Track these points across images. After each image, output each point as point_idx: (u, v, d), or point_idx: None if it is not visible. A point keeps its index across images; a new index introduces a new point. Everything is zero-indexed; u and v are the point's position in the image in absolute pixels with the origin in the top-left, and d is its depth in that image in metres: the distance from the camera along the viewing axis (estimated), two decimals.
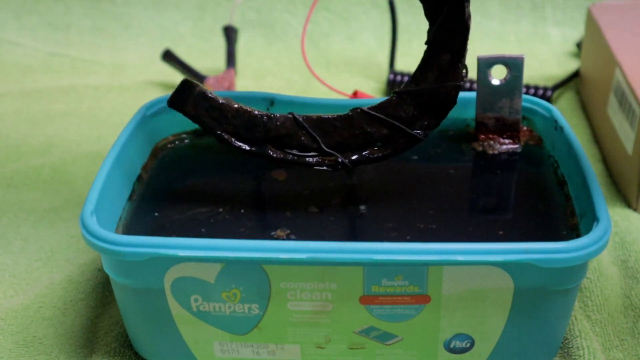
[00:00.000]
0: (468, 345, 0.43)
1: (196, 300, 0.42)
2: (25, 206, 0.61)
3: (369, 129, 0.47)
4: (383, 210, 0.46)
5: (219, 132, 0.47)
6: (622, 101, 0.61)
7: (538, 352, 0.44)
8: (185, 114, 0.47)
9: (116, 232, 0.45)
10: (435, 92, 0.46)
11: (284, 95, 0.53)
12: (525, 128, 0.52)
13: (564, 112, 0.68)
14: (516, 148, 0.51)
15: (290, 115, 0.47)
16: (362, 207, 0.46)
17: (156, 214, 0.46)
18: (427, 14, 0.45)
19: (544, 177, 0.49)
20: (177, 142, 0.53)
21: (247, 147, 0.47)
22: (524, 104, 0.51)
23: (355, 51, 0.89)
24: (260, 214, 0.47)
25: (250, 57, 0.87)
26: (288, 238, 0.44)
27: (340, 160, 0.47)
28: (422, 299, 0.41)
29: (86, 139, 0.72)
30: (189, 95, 0.46)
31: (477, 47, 0.85)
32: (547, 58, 0.86)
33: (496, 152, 0.51)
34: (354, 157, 0.47)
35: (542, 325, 0.43)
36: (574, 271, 0.41)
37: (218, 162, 0.51)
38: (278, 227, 0.45)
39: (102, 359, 0.46)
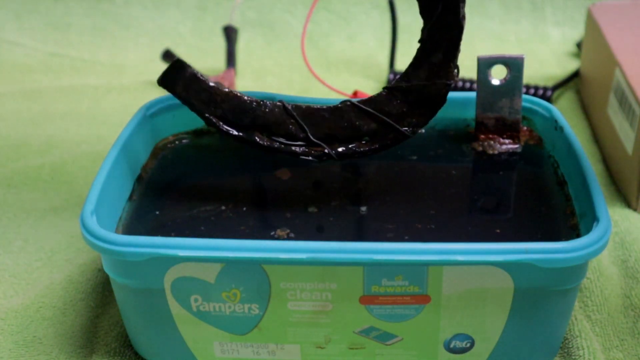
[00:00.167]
0: (468, 345, 0.43)
1: (196, 300, 0.42)
2: (25, 206, 0.61)
3: (357, 122, 0.46)
4: (383, 211, 0.46)
5: (207, 115, 0.46)
6: (622, 101, 0.61)
7: (538, 352, 0.44)
8: (174, 94, 0.47)
9: (116, 232, 0.45)
10: (425, 89, 0.46)
11: (284, 95, 0.53)
12: (525, 128, 0.52)
13: (564, 112, 0.68)
14: (516, 148, 0.51)
15: (279, 103, 0.47)
16: (363, 207, 0.46)
17: (156, 214, 0.46)
18: (422, 12, 0.45)
19: (544, 177, 0.49)
20: (177, 142, 0.53)
21: (235, 132, 0.47)
22: (524, 104, 0.51)
23: (355, 51, 0.89)
24: (260, 214, 0.47)
25: (250, 57, 0.87)
26: (288, 238, 0.44)
27: (326, 151, 0.47)
28: (422, 299, 0.41)
29: (86, 139, 0.72)
30: (180, 76, 0.46)
31: (477, 47, 0.86)
32: (547, 58, 0.86)
33: (496, 152, 0.51)
34: (340, 149, 0.47)
35: (542, 325, 0.43)
36: (574, 271, 0.41)
37: (218, 162, 0.51)
38: (278, 226, 0.45)
39: (102, 359, 0.46)
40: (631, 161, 0.58)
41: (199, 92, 0.46)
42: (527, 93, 0.73)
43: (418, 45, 0.46)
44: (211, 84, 0.46)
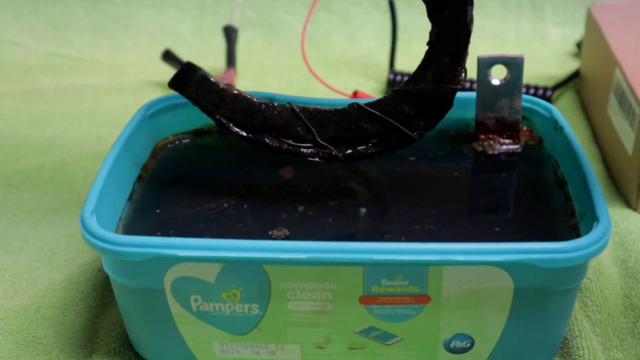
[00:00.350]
0: (468, 345, 0.43)
1: (196, 300, 0.42)
2: (25, 206, 0.61)
3: (364, 125, 0.47)
4: (383, 211, 0.46)
5: (217, 117, 0.47)
6: (622, 101, 0.61)
7: (538, 352, 0.44)
8: (185, 96, 0.48)
9: (116, 232, 0.45)
10: (432, 93, 0.46)
11: (284, 95, 0.53)
12: (525, 128, 0.52)
13: (564, 112, 0.68)
14: (516, 148, 0.51)
15: (288, 105, 0.47)
16: (362, 207, 0.46)
17: (156, 214, 0.46)
18: (430, 15, 0.45)
19: (544, 177, 0.49)
20: (177, 142, 0.53)
21: (244, 134, 0.47)
22: (524, 104, 0.51)
23: (355, 51, 0.89)
24: (261, 213, 0.47)
25: (250, 57, 0.87)
26: (285, 238, 0.44)
27: (333, 153, 0.47)
28: (422, 299, 0.41)
29: (86, 139, 0.72)
30: (190, 78, 0.47)
31: (477, 47, 0.85)
32: (547, 58, 0.86)
33: (496, 152, 0.51)
34: (347, 152, 0.47)
35: (542, 325, 0.43)
36: (574, 271, 0.41)
37: (218, 162, 0.51)
38: (276, 226, 0.45)
39: (102, 359, 0.46)
40: (631, 161, 0.58)
41: (209, 94, 0.47)
42: (527, 93, 0.73)
43: (424, 47, 0.46)
44: (221, 86, 0.47)
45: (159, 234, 0.45)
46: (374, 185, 0.48)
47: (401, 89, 0.46)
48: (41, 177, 0.65)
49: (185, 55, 0.83)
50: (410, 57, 0.84)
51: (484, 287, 0.40)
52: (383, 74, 0.83)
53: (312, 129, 0.47)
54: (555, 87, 0.75)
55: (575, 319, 0.48)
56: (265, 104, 0.47)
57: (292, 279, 0.41)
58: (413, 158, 0.51)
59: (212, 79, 0.47)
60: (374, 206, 0.47)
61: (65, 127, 0.74)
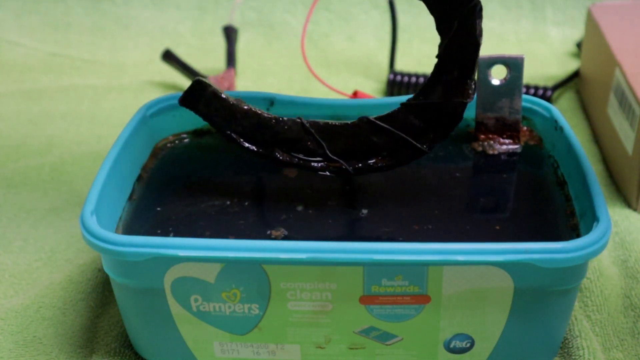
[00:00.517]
0: (468, 345, 0.43)
1: (196, 300, 0.42)
2: (25, 206, 0.61)
3: (374, 139, 0.47)
4: (382, 211, 0.46)
5: (228, 132, 0.47)
6: (622, 101, 0.61)
7: (538, 352, 0.44)
8: (197, 112, 0.48)
9: (116, 232, 0.45)
10: (441, 106, 0.46)
11: (284, 95, 0.53)
12: (525, 128, 0.52)
13: (564, 112, 0.68)
14: (516, 148, 0.51)
15: (298, 120, 0.47)
16: (362, 207, 0.46)
17: (156, 214, 0.46)
18: (439, 28, 0.45)
19: (544, 177, 0.49)
20: (177, 142, 0.53)
21: (255, 149, 0.48)
22: (524, 104, 0.51)
23: (355, 51, 0.89)
24: (259, 214, 0.47)
25: (250, 57, 0.87)
26: (284, 238, 0.44)
27: (344, 167, 0.47)
28: (422, 299, 0.41)
29: (86, 139, 0.72)
30: (201, 95, 0.47)
31: None
32: (547, 58, 0.86)
33: (496, 152, 0.51)
34: (358, 165, 0.47)
35: (542, 325, 0.43)
36: (574, 271, 0.41)
37: (218, 162, 0.51)
38: (275, 226, 0.45)
39: (102, 359, 0.46)
40: (631, 161, 0.58)
41: (220, 110, 0.47)
42: (527, 93, 0.73)
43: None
44: (232, 101, 0.47)
45: (159, 233, 0.45)
46: (374, 185, 0.48)
47: (411, 103, 0.46)
48: (41, 177, 0.65)
49: (185, 55, 0.83)
50: (410, 57, 0.84)
51: (484, 287, 0.40)
52: (383, 74, 0.83)
53: (323, 143, 0.47)
54: (555, 87, 0.75)
55: (575, 319, 0.48)
56: (275, 118, 0.47)
57: (292, 279, 0.41)
58: None
59: (222, 95, 0.47)
60: (374, 206, 0.47)
61: (65, 127, 0.74)
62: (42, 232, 0.58)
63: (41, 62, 0.87)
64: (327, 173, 0.47)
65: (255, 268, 0.40)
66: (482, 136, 0.52)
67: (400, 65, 0.82)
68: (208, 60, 0.86)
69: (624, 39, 0.66)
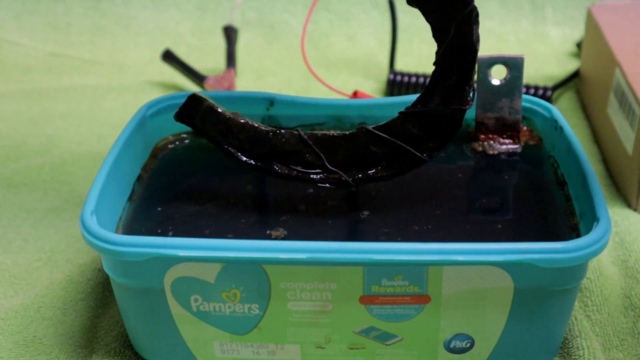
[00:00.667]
0: (468, 345, 0.43)
1: (196, 300, 0.42)
2: (25, 206, 0.61)
3: (373, 149, 0.46)
4: (383, 211, 0.46)
5: (225, 147, 0.47)
6: (622, 101, 0.61)
7: (538, 352, 0.44)
8: (192, 127, 0.48)
9: (116, 232, 0.45)
10: (440, 114, 0.45)
11: (284, 95, 0.53)
12: (525, 128, 0.52)
13: (564, 112, 0.68)
14: (516, 148, 0.51)
15: (295, 132, 0.47)
16: (362, 208, 0.46)
17: (156, 214, 0.46)
18: (435, 35, 0.45)
19: (544, 177, 0.49)
20: (177, 142, 0.53)
21: (253, 162, 0.47)
22: (524, 104, 0.51)
23: (355, 51, 0.89)
24: (258, 214, 0.47)
25: (250, 57, 0.87)
26: (283, 238, 0.44)
27: (343, 178, 0.47)
28: (422, 299, 0.41)
29: (86, 139, 0.72)
30: (197, 109, 0.47)
31: None
32: (547, 58, 0.86)
33: (496, 152, 0.51)
34: (358, 176, 0.47)
35: (542, 325, 0.43)
36: (574, 271, 0.41)
37: (218, 162, 0.51)
38: (274, 226, 0.45)
39: (102, 359, 0.46)
40: (631, 161, 0.58)
41: (217, 124, 0.47)
42: (527, 93, 0.73)
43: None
44: (228, 115, 0.47)
45: (159, 232, 0.45)
46: (374, 186, 0.48)
47: (409, 111, 0.46)
48: (41, 177, 0.65)
49: (185, 55, 0.83)
50: (410, 57, 0.84)
51: (484, 287, 0.40)
52: (383, 74, 0.83)
53: (321, 155, 0.47)
54: (555, 87, 0.75)
55: (575, 319, 0.48)
56: (272, 131, 0.47)
57: (292, 279, 0.41)
58: None
59: (218, 110, 0.47)
60: (374, 206, 0.47)
61: (65, 127, 0.74)
62: (42, 232, 0.58)
63: (41, 62, 0.87)
64: (327, 185, 0.47)
65: (255, 268, 0.40)
66: (482, 136, 0.52)
67: (400, 65, 0.82)
68: (208, 60, 0.86)
69: (624, 39, 0.66)
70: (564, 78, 0.77)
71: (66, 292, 0.52)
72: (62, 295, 0.51)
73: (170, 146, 0.53)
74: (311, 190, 0.48)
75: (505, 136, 0.52)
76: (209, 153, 0.52)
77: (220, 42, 0.87)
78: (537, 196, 0.48)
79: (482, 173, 0.51)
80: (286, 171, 0.47)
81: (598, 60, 0.69)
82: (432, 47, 0.45)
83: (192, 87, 0.80)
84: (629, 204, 0.60)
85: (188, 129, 0.53)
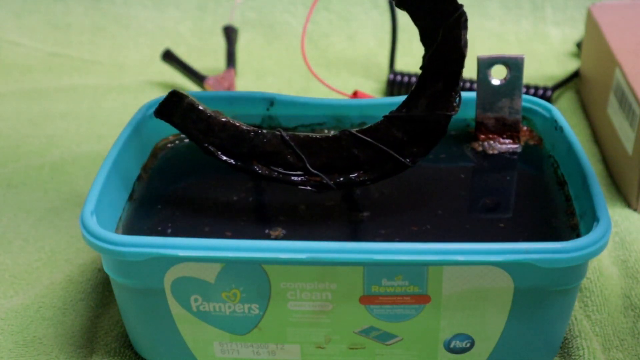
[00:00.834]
0: (468, 345, 0.43)
1: (196, 300, 0.42)
2: (25, 206, 0.61)
3: (356, 152, 0.46)
4: (382, 211, 0.46)
5: (205, 145, 0.46)
6: (622, 101, 0.61)
7: (538, 352, 0.44)
8: (172, 124, 0.47)
9: (116, 232, 0.45)
10: (425, 119, 0.45)
11: (284, 95, 0.53)
12: (525, 128, 0.52)
13: (564, 112, 0.68)
14: (516, 148, 0.51)
15: (277, 133, 0.46)
16: (362, 208, 0.46)
17: (156, 214, 0.46)
18: (423, 39, 0.44)
19: (544, 177, 0.49)
20: (177, 142, 0.53)
21: (233, 162, 0.46)
22: (524, 104, 0.51)
23: (355, 51, 0.89)
24: (257, 214, 0.47)
25: (250, 57, 0.87)
26: (283, 238, 0.44)
27: (324, 181, 0.46)
28: (422, 299, 0.41)
29: (86, 139, 0.72)
30: (177, 106, 0.46)
31: (477, 47, 0.86)
32: (547, 58, 0.86)
33: (496, 152, 0.51)
34: (339, 179, 0.46)
35: (542, 325, 0.43)
36: (574, 271, 0.41)
37: (218, 162, 0.51)
38: (275, 226, 0.45)
39: (102, 359, 0.46)
40: (631, 161, 0.58)
41: (197, 122, 0.46)
42: (527, 93, 0.73)
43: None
44: (209, 113, 0.46)
45: (159, 230, 0.45)
46: (374, 186, 0.48)
47: (394, 115, 0.45)
48: (41, 177, 0.65)
49: (185, 55, 0.83)
50: (410, 57, 0.84)
51: (484, 287, 0.40)
52: (383, 74, 0.83)
53: (303, 157, 0.46)
54: (555, 87, 0.75)
55: (575, 319, 0.48)
56: (254, 131, 0.46)
57: (292, 279, 0.41)
58: None
59: (200, 107, 0.46)
60: (374, 207, 0.47)
61: (65, 127, 0.74)
62: (42, 232, 0.58)
63: (41, 62, 0.87)
64: (308, 188, 0.46)
65: (255, 268, 0.40)
66: (482, 136, 0.52)
67: (400, 65, 0.82)
68: (208, 60, 0.86)
69: (624, 39, 0.66)
70: (564, 78, 0.77)
71: (66, 292, 0.52)
72: (62, 295, 0.51)
73: (170, 146, 0.53)
74: (309, 188, 0.48)
75: (505, 136, 0.52)
76: None
77: (220, 42, 0.87)
78: (537, 196, 0.48)
79: (482, 173, 0.51)
80: (267, 172, 0.46)
81: (598, 60, 0.69)
82: None
83: (192, 87, 0.80)
84: (629, 204, 0.60)
85: None
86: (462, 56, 0.43)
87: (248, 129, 0.46)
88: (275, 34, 0.91)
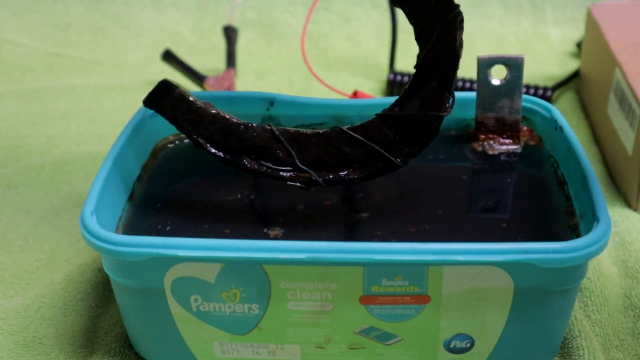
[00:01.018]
0: (468, 345, 0.43)
1: (196, 300, 0.42)
2: (25, 206, 0.61)
3: (346, 150, 0.45)
4: (382, 212, 0.46)
5: (194, 137, 0.46)
6: (622, 101, 0.61)
7: (538, 352, 0.44)
8: (161, 114, 0.46)
9: (116, 232, 0.45)
10: (417, 119, 0.44)
11: (284, 95, 0.53)
12: (525, 128, 0.52)
13: (564, 112, 0.68)
14: (516, 148, 0.51)
15: (268, 127, 0.46)
16: (361, 207, 0.46)
17: (156, 214, 0.46)
18: (417, 38, 0.44)
19: (544, 177, 0.49)
20: (177, 142, 0.53)
21: (222, 155, 0.46)
22: (524, 104, 0.51)
23: (355, 51, 0.89)
24: (257, 213, 0.47)
25: (250, 57, 0.87)
26: (282, 237, 0.44)
27: (313, 178, 0.46)
28: (422, 299, 0.41)
29: (86, 139, 0.72)
30: (167, 96, 0.46)
31: (477, 47, 0.86)
32: (547, 58, 0.86)
33: (496, 152, 0.51)
34: (328, 177, 0.46)
35: (542, 325, 0.43)
36: (574, 271, 0.41)
37: (218, 162, 0.51)
38: (271, 227, 0.45)
39: (102, 359, 0.46)
40: (631, 161, 0.58)
41: (187, 113, 0.46)
42: (527, 93, 0.73)
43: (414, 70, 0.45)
44: (199, 104, 0.46)
45: (158, 228, 0.45)
46: (373, 185, 0.48)
47: (386, 114, 0.45)
48: (41, 177, 0.65)
49: (185, 55, 0.83)
50: (410, 57, 0.83)
51: (484, 287, 0.40)
52: (383, 74, 0.83)
53: (292, 152, 0.45)
54: (555, 87, 0.75)
55: (575, 319, 0.48)
56: (244, 124, 0.46)
57: (292, 279, 0.41)
58: None
59: (190, 98, 0.45)
60: (373, 207, 0.47)
61: (65, 127, 0.74)
62: (42, 232, 0.58)
63: (41, 62, 0.87)
64: (297, 184, 0.46)
65: (255, 268, 0.40)
66: (482, 136, 0.52)
67: (400, 65, 0.82)
68: (208, 60, 0.86)
69: (624, 39, 0.66)
70: (564, 78, 0.77)
71: (66, 292, 0.52)
72: (62, 295, 0.51)
73: (170, 146, 0.53)
74: (312, 190, 0.48)
75: (505, 136, 0.52)
76: None
77: (220, 42, 0.87)
78: (537, 196, 0.48)
79: (482, 173, 0.51)
80: (255, 166, 0.46)
81: (598, 60, 0.69)
82: None
83: (192, 87, 0.80)
84: (629, 204, 0.60)
85: None
86: (456, 57, 0.43)
87: (238, 122, 0.46)
88: (275, 34, 0.91)
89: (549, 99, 0.73)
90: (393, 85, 0.77)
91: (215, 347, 0.44)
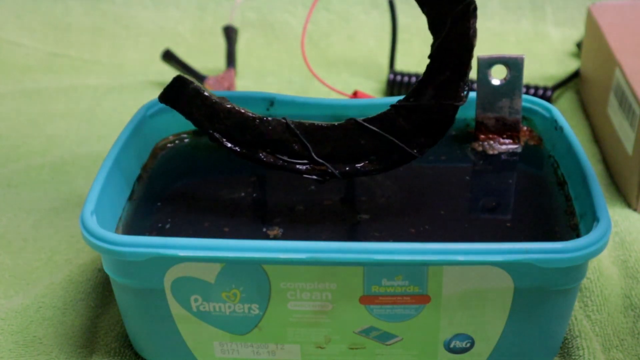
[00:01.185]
0: (468, 345, 0.43)
1: (196, 300, 0.42)
2: (25, 206, 0.61)
3: (362, 142, 0.45)
4: (382, 212, 0.46)
5: (210, 131, 0.46)
6: (622, 101, 0.61)
7: (538, 352, 0.44)
8: (177, 109, 0.46)
9: (116, 232, 0.45)
10: (432, 109, 0.44)
11: (284, 95, 0.53)
12: (525, 128, 0.52)
13: (564, 112, 0.68)
14: (516, 148, 0.51)
15: (283, 120, 0.46)
16: (361, 207, 0.46)
17: (156, 214, 0.46)
18: (431, 27, 0.43)
19: (544, 177, 0.49)
20: (177, 142, 0.53)
21: (238, 149, 0.46)
22: (524, 104, 0.51)
23: (355, 51, 0.89)
24: (256, 213, 0.47)
25: (250, 57, 0.87)
26: (282, 237, 0.44)
27: (330, 170, 0.46)
28: (422, 299, 0.41)
29: (86, 139, 0.72)
30: (182, 92, 0.46)
31: (477, 47, 0.86)
32: (547, 58, 0.86)
33: (496, 152, 0.51)
34: (345, 169, 0.46)
35: (542, 325, 0.43)
36: (574, 271, 0.41)
37: (218, 162, 0.51)
38: (271, 226, 0.45)
39: (102, 359, 0.46)
40: (631, 161, 0.58)
41: (202, 108, 0.46)
42: (527, 93, 0.73)
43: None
44: (214, 99, 0.46)
45: (158, 227, 0.45)
46: (373, 185, 0.48)
47: (401, 105, 0.45)
48: (41, 177, 0.65)
49: (185, 55, 0.83)
50: (410, 57, 0.84)
51: (484, 287, 0.40)
52: (383, 74, 0.83)
53: (308, 145, 0.45)
54: (555, 87, 0.75)
55: (575, 319, 0.48)
56: (259, 118, 0.46)
57: (292, 279, 0.41)
58: None
59: (205, 93, 0.46)
60: (373, 207, 0.47)
61: (65, 127, 0.74)
62: (42, 232, 0.58)
63: (41, 62, 0.87)
64: (313, 177, 0.46)
65: (255, 268, 0.40)
66: (482, 136, 0.52)
67: (400, 65, 0.82)
68: (208, 60, 0.86)
69: (624, 39, 0.66)
70: (564, 78, 0.77)
71: (66, 292, 0.52)
72: (62, 295, 0.51)
73: (170, 146, 0.53)
74: (312, 187, 0.48)
75: (505, 136, 0.52)
76: (209, 152, 0.52)
77: (220, 42, 0.87)
78: (537, 196, 0.48)
79: (482, 173, 0.51)
80: (272, 160, 0.46)
81: (598, 60, 0.69)
82: None
83: None
84: (629, 204, 0.60)
85: (188, 128, 0.53)
86: (471, 46, 0.43)
87: (253, 116, 0.46)
88: (275, 34, 0.91)
89: (549, 99, 0.73)
90: (393, 85, 0.77)
91: (215, 347, 0.44)
